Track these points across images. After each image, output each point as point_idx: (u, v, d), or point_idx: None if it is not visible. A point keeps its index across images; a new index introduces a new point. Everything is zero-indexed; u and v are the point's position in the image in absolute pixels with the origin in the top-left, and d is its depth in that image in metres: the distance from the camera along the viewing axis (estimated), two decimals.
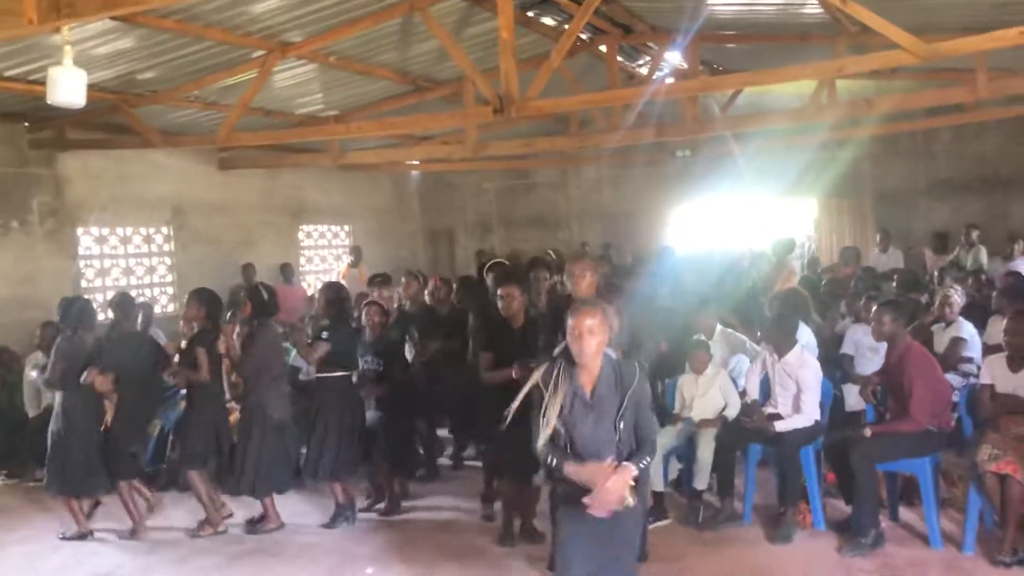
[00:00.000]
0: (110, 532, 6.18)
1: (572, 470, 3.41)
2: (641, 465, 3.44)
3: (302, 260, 13.32)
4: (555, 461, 3.45)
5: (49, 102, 5.06)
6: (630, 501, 3.33)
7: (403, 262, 13.52)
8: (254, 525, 6.12)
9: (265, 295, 6.20)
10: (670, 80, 9.60)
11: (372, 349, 6.42)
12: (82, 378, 5.88)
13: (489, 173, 14.97)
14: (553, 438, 3.48)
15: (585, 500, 3.34)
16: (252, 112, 9.00)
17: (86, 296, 9.61)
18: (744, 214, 13.80)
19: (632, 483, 3.36)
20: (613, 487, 3.32)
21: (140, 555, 5.82)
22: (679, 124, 9.05)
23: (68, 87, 4.86)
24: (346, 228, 14.25)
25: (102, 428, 6.13)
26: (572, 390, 3.49)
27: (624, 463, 3.39)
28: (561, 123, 11.47)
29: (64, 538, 6.08)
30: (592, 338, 3.45)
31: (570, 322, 3.49)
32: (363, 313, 6.61)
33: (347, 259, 13.36)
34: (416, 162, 13.74)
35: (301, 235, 13.38)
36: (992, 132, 11.91)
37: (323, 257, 13.87)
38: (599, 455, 3.45)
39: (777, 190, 12.69)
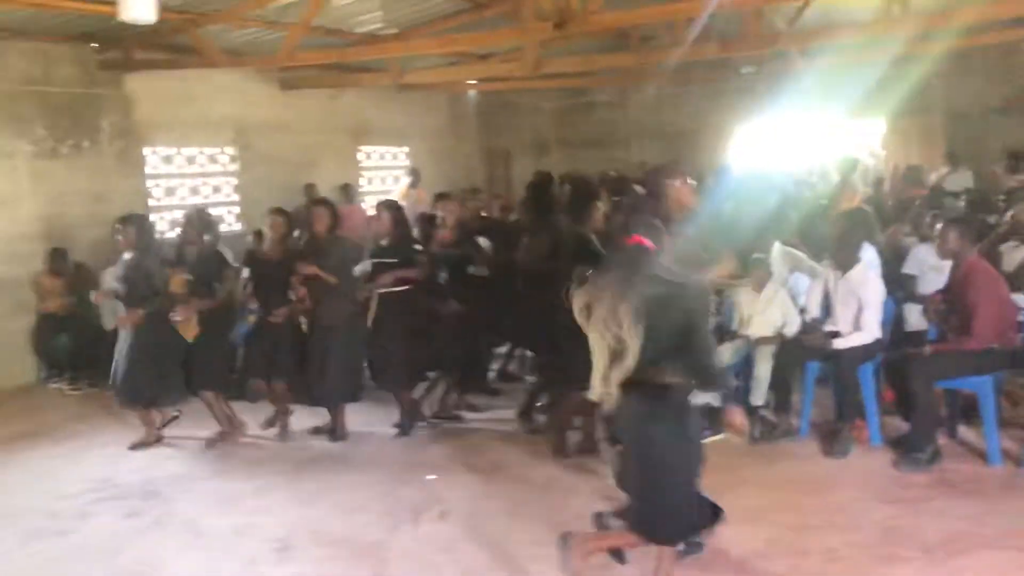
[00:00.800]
0: (186, 439, 6.49)
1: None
2: None
3: (362, 181, 13.45)
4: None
5: (121, 18, 5.15)
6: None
7: (460, 182, 13.56)
8: (323, 433, 6.37)
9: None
10: None
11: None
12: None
13: (547, 92, 14.81)
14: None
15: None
16: (313, 31, 9.02)
17: (154, 215, 10.02)
18: (809, 133, 13.48)
19: None
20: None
21: (215, 460, 6.12)
22: (743, 39, 8.82)
23: (139, 3, 4.94)
24: (405, 149, 14.30)
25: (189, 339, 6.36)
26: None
27: None
28: (621, 40, 11.26)
29: (133, 447, 6.35)
30: None
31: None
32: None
33: (405, 180, 13.46)
34: (474, 82, 13.67)
35: (361, 156, 13.49)
36: None
37: (382, 178, 13.98)
38: None
39: (843, 108, 12.34)
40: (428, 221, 7.46)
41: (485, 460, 5.78)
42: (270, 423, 6.58)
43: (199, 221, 6.51)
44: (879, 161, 13.45)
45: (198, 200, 10.69)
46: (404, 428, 6.37)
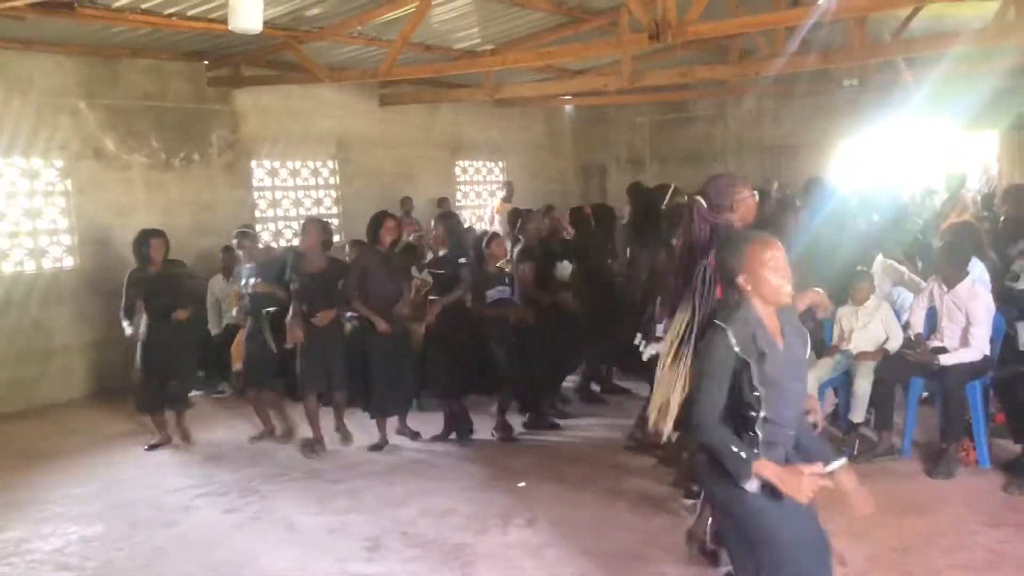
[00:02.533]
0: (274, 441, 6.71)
1: (771, 471, 2.77)
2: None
3: (458, 195, 13.63)
4: (742, 452, 2.79)
5: (230, 28, 5.38)
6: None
7: (555, 197, 13.59)
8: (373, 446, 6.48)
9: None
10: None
11: (498, 280, 6.60)
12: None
13: (643, 107, 14.74)
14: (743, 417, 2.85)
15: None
16: (412, 47, 9.23)
17: (259, 225, 10.38)
18: (917, 147, 13.03)
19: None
20: (809, 489, 2.78)
21: (308, 462, 6.26)
22: (846, 50, 8.61)
23: (247, 13, 5.16)
24: (500, 164, 14.44)
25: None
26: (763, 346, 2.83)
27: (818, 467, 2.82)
28: (720, 52, 11.12)
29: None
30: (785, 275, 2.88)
31: (755, 255, 2.86)
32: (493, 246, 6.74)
33: (500, 194, 13.59)
34: (569, 97, 13.70)
35: (458, 170, 13.68)
36: None
37: (478, 192, 14.14)
38: (797, 426, 2.94)
39: (953, 122, 11.90)
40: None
41: (573, 471, 5.76)
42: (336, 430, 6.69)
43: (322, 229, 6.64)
44: (992, 176, 12.89)
45: (301, 212, 11.04)
46: (457, 437, 6.48)
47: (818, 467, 2.81)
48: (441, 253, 6.61)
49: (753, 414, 2.82)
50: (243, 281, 6.73)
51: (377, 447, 6.41)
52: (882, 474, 5.33)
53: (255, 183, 10.53)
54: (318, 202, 11.40)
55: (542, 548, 4.58)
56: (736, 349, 2.80)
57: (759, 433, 2.83)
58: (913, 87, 11.08)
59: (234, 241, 7.37)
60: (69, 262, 8.71)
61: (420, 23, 8.23)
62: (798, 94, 12.82)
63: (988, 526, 4.56)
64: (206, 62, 9.67)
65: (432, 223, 7.31)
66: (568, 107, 15.08)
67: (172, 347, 6.54)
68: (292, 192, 11.05)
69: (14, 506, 5.58)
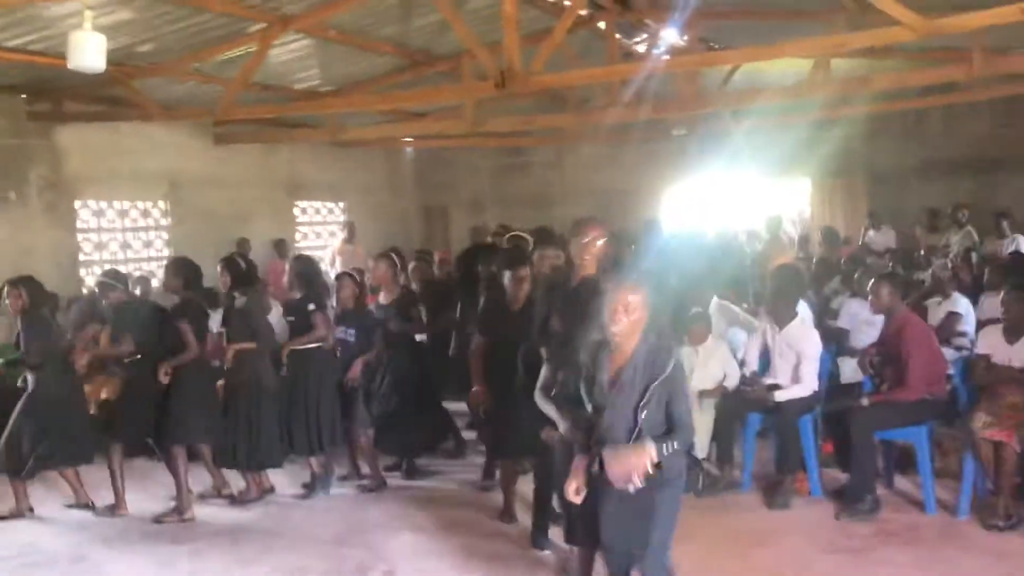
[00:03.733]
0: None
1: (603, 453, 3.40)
2: (665, 449, 3.36)
3: (298, 236, 13.33)
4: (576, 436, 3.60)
5: (71, 67, 5.10)
6: (636, 482, 3.33)
7: (397, 238, 13.52)
8: (237, 499, 6.17)
9: (242, 264, 6.30)
10: (668, 57, 9.64)
11: (347, 321, 6.49)
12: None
13: (483, 151, 14.97)
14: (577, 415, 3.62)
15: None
16: (250, 87, 8.98)
17: (83, 269, 9.77)
18: (738, 193, 13.89)
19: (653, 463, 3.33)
20: (622, 464, 3.33)
21: (142, 524, 5.87)
22: (677, 100, 9.10)
23: (90, 52, 4.90)
24: (341, 204, 14.25)
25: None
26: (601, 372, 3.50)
27: (644, 442, 3.35)
28: (558, 101, 11.49)
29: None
30: (627, 317, 3.41)
31: (609, 297, 3.45)
32: (337, 286, 6.64)
33: (341, 235, 13.40)
34: (410, 139, 13.73)
35: (296, 211, 13.39)
36: (983, 112, 12.00)
37: (318, 233, 13.89)
38: (617, 440, 3.42)
39: (771, 169, 12.79)
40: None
41: (430, 519, 5.67)
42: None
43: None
44: (804, 221, 13.91)
45: (129, 255, 10.47)
46: (313, 489, 6.24)
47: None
48: (293, 297, 6.38)
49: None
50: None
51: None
52: (727, 507, 5.59)
53: (79, 224, 9.91)
54: (148, 244, 10.87)
55: None
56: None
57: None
58: (736, 136, 11.86)
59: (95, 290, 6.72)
60: None
61: (260, 63, 8.05)
62: (632, 141, 13.39)
63: (826, 553, 4.85)
64: (24, 96, 9.06)
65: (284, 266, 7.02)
66: (409, 149, 15.11)
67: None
68: (120, 234, 10.47)
69: None
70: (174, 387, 5.92)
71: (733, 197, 13.93)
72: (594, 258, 4.60)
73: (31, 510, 5.97)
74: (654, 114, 9.56)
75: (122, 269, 10.01)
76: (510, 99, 10.51)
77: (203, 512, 5.98)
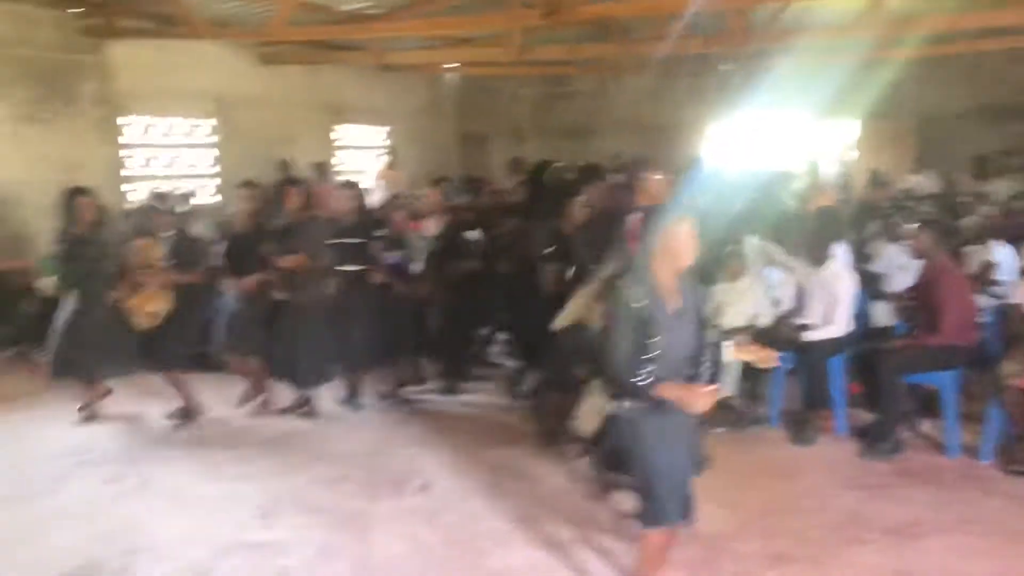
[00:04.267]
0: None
1: (668, 391, 3.40)
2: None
3: (339, 159, 13.45)
4: (646, 379, 3.40)
5: None
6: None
7: (436, 165, 13.62)
8: (293, 411, 6.43)
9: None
10: None
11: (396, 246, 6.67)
12: None
13: (526, 79, 14.88)
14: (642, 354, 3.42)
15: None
16: (297, 7, 9.02)
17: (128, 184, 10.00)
18: (782, 132, 13.70)
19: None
20: (704, 405, 3.44)
21: (192, 431, 6.17)
22: (726, 35, 8.98)
23: None
24: (382, 129, 14.30)
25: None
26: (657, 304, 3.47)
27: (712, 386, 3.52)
28: (601, 30, 11.36)
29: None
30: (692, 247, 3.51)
31: (670, 231, 3.49)
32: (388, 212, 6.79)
33: (384, 160, 13.51)
34: (453, 65, 13.67)
35: (339, 134, 13.48)
36: None
37: (358, 157, 13.99)
38: (681, 371, 3.50)
39: (818, 109, 12.59)
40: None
41: (462, 438, 5.89)
42: (245, 399, 6.59)
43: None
44: (849, 162, 13.71)
45: (176, 172, 10.67)
46: (353, 406, 6.49)
47: (709, 388, 3.50)
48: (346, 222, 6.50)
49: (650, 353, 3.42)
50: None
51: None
52: (752, 443, 5.73)
53: (127, 140, 10.09)
54: (195, 162, 11.04)
55: (437, 513, 4.71)
56: (637, 304, 3.42)
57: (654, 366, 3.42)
58: (783, 73, 11.66)
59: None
60: None
61: None
62: (677, 75, 13.25)
63: (846, 488, 4.99)
64: (76, 9, 9.16)
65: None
66: (451, 75, 15.05)
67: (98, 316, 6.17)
68: (167, 150, 10.65)
69: None
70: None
71: (778, 135, 13.75)
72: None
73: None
74: (703, 49, 9.45)
75: (166, 186, 10.34)
76: (555, 28, 10.47)
77: (249, 423, 6.26)
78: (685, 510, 3.63)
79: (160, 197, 7.99)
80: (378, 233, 6.55)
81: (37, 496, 5.01)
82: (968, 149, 12.01)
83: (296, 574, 4.09)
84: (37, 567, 4.18)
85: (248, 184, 6.64)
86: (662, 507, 3.55)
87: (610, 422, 3.74)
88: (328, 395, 6.58)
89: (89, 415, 6.31)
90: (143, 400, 6.62)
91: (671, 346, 3.44)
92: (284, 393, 6.49)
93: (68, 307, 6.14)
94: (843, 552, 4.23)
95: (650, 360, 3.40)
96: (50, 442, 5.90)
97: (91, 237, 6.10)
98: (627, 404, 3.51)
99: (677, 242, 3.48)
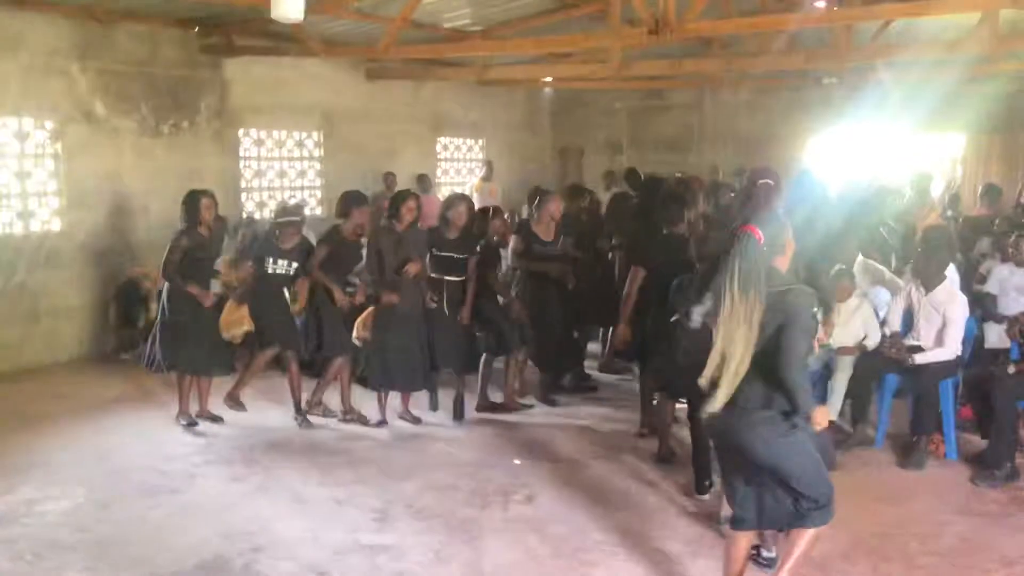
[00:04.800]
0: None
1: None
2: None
3: (438, 172, 13.75)
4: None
5: (273, 17, 5.49)
6: None
7: (532, 176, 13.78)
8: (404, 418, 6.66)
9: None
10: (823, 4, 9.38)
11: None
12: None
13: (622, 92, 14.90)
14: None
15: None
16: (405, 24, 9.30)
17: (244, 195, 10.45)
18: (886, 146, 13.42)
19: None
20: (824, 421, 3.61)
21: (307, 433, 6.46)
22: (831, 50, 8.89)
23: (290, 3, 5.27)
24: (480, 142, 14.57)
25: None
26: None
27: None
28: (702, 44, 11.36)
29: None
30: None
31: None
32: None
33: (479, 172, 13.75)
34: (549, 79, 13.83)
35: (438, 147, 13.79)
36: None
37: (458, 170, 14.27)
38: None
39: (923, 122, 12.29)
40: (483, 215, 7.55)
41: (567, 449, 6.01)
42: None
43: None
44: (955, 178, 13.35)
45: (285, 183, 11.10)
46: (457, 413, 6.67)
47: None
48: (451, 235, 6.71)
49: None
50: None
51: (378, 424, 6.55)
52: (859, 464, 5.68)
53: (242, 152, 10.55)
54: (302, 173, 11.46)
55: (544, 524, 4.82)
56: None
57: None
58: (887, 86, 11.44)
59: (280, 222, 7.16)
60: (57, 225, 8.70)
61: (419, 2, 8.32)
62: (775, 88, 13.12)
63: (959, 515, 4.92)
64: (197, 29, 9.64)
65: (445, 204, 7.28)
66: (547, 89, 15.21)
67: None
68: (276, 163, 11.09)
69: (16, 468, 5.66)
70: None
71: (881, 150, 13.47)
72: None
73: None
74: (805, 64, 9.36)
75: (278, 196, 10.77)
76: (656, 41, 10.53)
77: (353, 431, 6.50)
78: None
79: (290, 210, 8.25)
80: (479, 247, 6.73)
81: (169, 492, 5.32)
82: None
83: None
84: (171, 560, 4.44)
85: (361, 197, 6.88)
86: (832, 502, 3.66)
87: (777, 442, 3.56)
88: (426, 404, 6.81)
89: (207, 415, 6.64)
90: (256, 402, 6.94)
91: None
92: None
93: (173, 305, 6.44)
94: None
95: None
96: (177, 440, 6.25)
97: (207, 239, 6.48)
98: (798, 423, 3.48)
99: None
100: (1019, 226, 8.38)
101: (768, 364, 3.40)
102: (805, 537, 3.67)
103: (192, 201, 6.46)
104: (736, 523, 3.75)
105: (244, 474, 5.60)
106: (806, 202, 8.34)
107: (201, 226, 6.42)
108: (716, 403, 3.42)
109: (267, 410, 6.88)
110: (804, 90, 12.88)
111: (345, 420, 6.65)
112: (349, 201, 6.64)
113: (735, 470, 3.69)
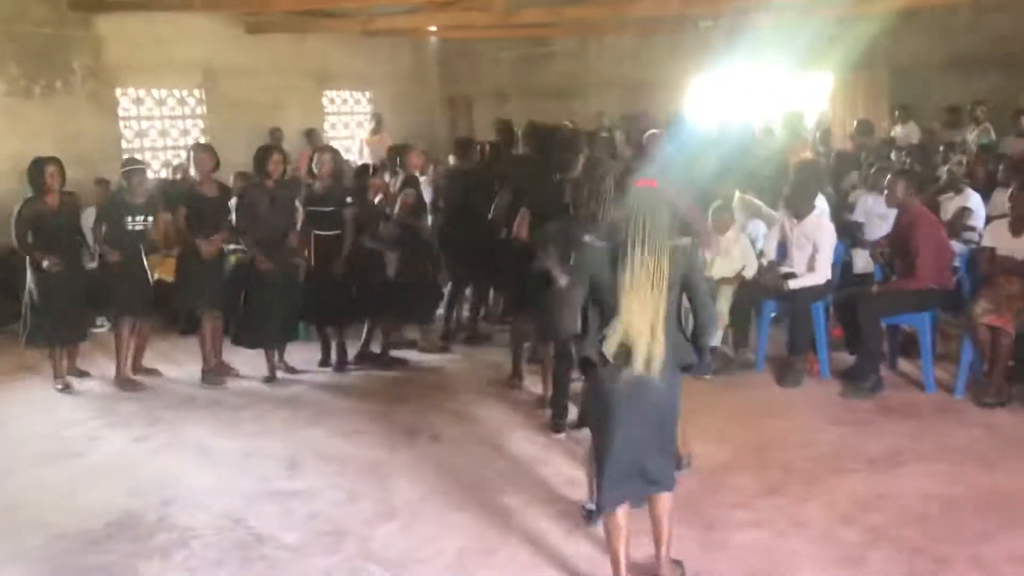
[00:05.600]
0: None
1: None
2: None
3: (326, 126, 13.60)
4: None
5: None
6: None
7: (422, 128, 13.80)
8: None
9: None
10: None
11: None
12: None
13: (508, 41, 14.99)
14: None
15: None
16: None
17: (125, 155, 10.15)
18: (760, 87, 13.93)
19: None
20: None
21: (206, 391, 6.47)
22: None
23: None
24: (367, 95, 14.45)
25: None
26: None
27: None
28: None
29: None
30: None
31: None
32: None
33: (369, 126, 13.66)
34: (434, 28, 13.80)
35: (325, 101, 13.62)
36: (1011, 8, 11.96)
37: (346, 123, 14.14)
38: None
39: (794, 63, 12.81)
40: (363, 172, 7.60)
41: (463, 394, 6.20)
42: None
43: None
44: (825, 115, 13.98)
45: (168, 142, 10.82)
46: (339, 366, 6.81)
47: None
48: (317, 187, 6.74)
49: None
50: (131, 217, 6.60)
51: (268, 379, 6.59)
52: (740, 385, 6.08)
53: (121, 112, 10.23)
54: (185, 132, 11.19)
55: (448, 459, 5.03)
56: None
57: None
58: (760, 29, 11.88)
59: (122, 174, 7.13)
60: None
61: None
62: (657, 32, 13.42)
63: (830, 424, 5.35)
64: None
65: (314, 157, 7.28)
66: (433, 39, 15.16)
67: (73, 281, 6.44)
68: (158, 122, 10.79)
69: None
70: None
71: (755, 90, 13.98)
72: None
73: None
74: (683, 9, 9.65)
75: (161, 156, 10.51)
76: None
77: (254, 387, 6.54)
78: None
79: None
80: (350, 200, 6.75)
81: (71, 456, 5.28)
82: (940, 100, 12.32)
83: (325, 517, 4.39)
84: (79, 521, 4.44)
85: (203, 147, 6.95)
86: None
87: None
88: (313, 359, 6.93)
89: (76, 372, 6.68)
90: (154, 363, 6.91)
91: None
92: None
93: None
94: (830, 481, 4.57)
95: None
96: (74, 407, 6.18)
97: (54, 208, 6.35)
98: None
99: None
100: (883, 159, 8.96)
101: (675, 313, 3.38)
102: (669, 506, 3.56)
103: (36, 169, 6.27)
104: (614, 504, 3.46)
105: (147, 433, 5.61)
106: (685, 145, 8.74)
107: (48, 195, 6.26)
108: (643, 367, 3.27)
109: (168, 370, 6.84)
110: (683, 35, 13.23)
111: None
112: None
113: (633, 432, 3.42)
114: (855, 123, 10.78)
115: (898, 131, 11.93)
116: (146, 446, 5.42)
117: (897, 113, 12.28)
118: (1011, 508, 4.20)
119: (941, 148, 10.51)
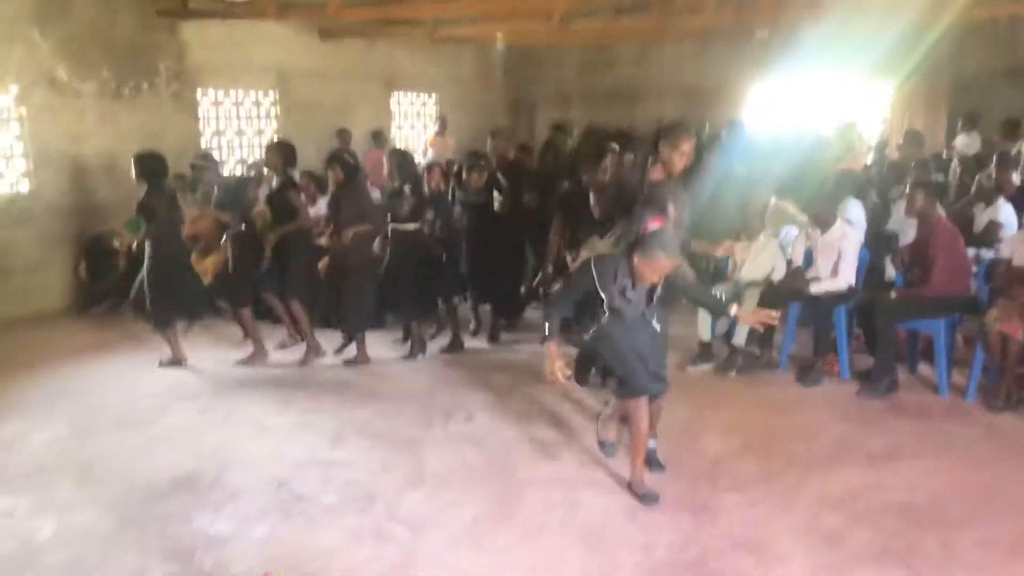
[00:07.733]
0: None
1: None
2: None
3: (393, 127, 14.21)
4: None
5: None
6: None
7: (484, 130, 14.24)
8: (350, 361, 7.22)
9: (350, 159, 7.20)
10: None
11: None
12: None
13: (570, 47, 15.40)
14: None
15: None
16: None
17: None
18: (818, 95, 14.04)
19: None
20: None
21: (268, 372, 7.05)
22: (756, 6, 9.45)
23: None
24: (433, 97, 15.02)
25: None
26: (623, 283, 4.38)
27: None
28: (641, 3, 11.84)
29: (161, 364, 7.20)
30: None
31: (647, 260, 4.21)
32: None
33: (433, 127, 14.22)
34: (499, 35, 14.25)
35: (392, 103, 14.23)
36: None
37: (412, 125, 14.73)
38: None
39: (853, 72, 12.91)
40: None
41: (500, 380, 6.65)
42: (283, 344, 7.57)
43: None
44: (883, 125, 14.02)
45: (243, 141, 11.54)
46: (413, 355, 7.28)
47: None
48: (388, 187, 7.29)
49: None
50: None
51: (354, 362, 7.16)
52: (759, 382, 6.41)
53: (200, 113, 10.97)
54: (259, 132, 11.89)
55: (480, 437, 5.49)
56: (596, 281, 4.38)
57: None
58: (817, 38, 12.01)
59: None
60: (24, 186, 9.12)
61: None
62: (717, 40, 13.65)
63: (838, 421, 5.65)
64: None
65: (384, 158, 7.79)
66: (499, 44, 15.64)
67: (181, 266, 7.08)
68: (234, 122, 11.51)
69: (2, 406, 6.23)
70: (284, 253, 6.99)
71: (814, 99, 14.09)
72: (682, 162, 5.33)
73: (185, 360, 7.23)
74: (735, 19, 9.91)
75: (236, 154, 11.23)
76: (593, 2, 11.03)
77: (316, 368, 7.11)
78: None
79: (204, 156, 8.93)
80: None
81: (143, 424, 5.90)
82: (1000, 112, 12.28)
83: (360, 483, 4.89)
84: (146, 478, 5.03)
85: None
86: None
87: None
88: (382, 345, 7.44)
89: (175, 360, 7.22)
90: (220, 346, 7.57)
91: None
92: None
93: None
94: (826, 471, 4.89)
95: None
96: (151, 381, 6.83)
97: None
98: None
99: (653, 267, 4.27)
100: (927, 171, 9.08)
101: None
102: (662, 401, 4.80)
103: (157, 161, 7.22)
104: (644, 391, 4.55)
105: (211, 407, 6.20)
106: (746, 152, 8.89)
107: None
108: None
109: (233, 353, 7.46)
110: (741, 43, 13.43)
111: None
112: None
113: (638, 350, 4.55)
114: (904, 134, 10.86)
115: (960, 140, 11.95)
116: (209, 418, 6.01)
117: (961, 122, 12.29)
118: (990, 500, 4.48)
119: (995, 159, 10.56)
